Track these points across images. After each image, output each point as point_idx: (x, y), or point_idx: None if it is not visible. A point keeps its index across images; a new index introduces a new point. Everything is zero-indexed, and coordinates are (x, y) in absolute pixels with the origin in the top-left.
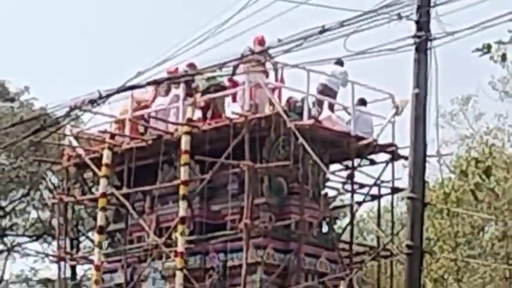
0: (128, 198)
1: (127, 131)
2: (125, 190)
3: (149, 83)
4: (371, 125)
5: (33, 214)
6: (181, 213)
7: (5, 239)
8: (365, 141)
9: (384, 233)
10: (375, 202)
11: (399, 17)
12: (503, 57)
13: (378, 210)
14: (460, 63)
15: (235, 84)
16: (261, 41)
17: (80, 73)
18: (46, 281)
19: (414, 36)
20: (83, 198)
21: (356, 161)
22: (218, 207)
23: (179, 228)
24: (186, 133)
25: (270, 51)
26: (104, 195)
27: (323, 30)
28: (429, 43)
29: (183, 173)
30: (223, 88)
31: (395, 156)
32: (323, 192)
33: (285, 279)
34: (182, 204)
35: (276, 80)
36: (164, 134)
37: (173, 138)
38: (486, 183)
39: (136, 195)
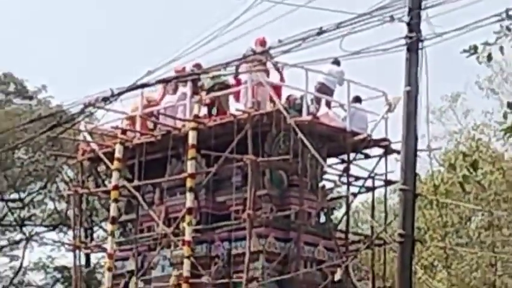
0: (138, 190)
1: (137, 127)
2: (136, 183)
3: (158, 82)
4: (366, 121)
5: (50, 205)
6: (188, 204)
7: (24, 229)
8: (360, 137)
9: (378, 222)
10: (370, 194)
11: (392, 19)
12: (489, 58)
13: (372, 201)
14: (449, 62)
15: (239, 82)
16: (262, 42)
17: (94, 72)
18: (62, 268)
19: (406, 37)
20: (97, 190)
21: (352, 155)
22: (223, 198)
23: (187, 218)
24: (193, 129)
25: (271, 51)
26: (116, 187)
27: (321, 32)
28: (420, 43)
29: (190, 167)
30: (227, 86)
31: (388, 151)
32: (320, 184)
33: (285, 266)
34: (189, 196)
35: (281, 80)
36: (172, 129)
37: (180, 133)
38: (473, 175)
39: (146, 188)
